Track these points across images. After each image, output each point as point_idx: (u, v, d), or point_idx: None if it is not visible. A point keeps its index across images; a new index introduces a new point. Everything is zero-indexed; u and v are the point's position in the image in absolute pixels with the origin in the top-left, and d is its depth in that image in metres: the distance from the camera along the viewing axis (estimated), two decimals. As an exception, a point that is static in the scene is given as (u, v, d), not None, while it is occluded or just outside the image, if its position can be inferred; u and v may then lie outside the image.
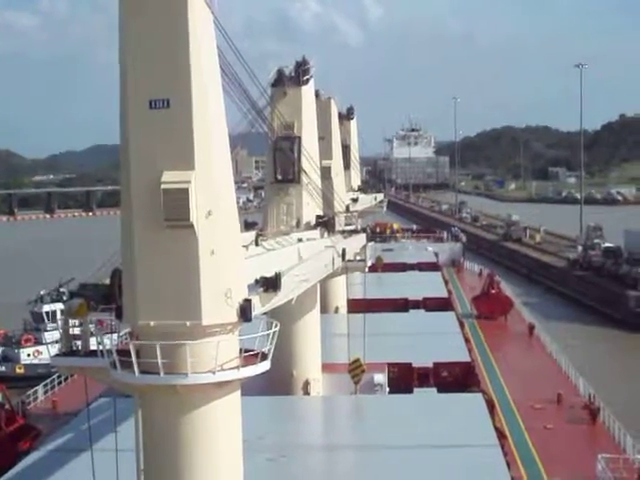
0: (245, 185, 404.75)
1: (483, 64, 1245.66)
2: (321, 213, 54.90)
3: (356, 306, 71.47)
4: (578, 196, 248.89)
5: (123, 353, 27.91)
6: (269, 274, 32.28)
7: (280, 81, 54.17)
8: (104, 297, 29.23)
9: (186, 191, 26.63)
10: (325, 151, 69.63)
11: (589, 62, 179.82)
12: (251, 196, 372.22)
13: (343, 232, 59.40)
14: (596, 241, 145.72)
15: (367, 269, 64.48)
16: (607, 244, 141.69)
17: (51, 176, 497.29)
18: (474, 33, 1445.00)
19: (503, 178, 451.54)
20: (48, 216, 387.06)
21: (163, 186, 26.64)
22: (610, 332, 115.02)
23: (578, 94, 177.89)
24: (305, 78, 54.71)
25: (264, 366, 29.08)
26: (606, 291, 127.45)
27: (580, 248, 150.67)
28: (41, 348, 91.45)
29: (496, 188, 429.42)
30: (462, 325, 79.98)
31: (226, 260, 27.78)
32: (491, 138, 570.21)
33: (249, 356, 28.97)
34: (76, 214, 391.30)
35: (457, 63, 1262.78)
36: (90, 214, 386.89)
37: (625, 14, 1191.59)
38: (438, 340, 70.16)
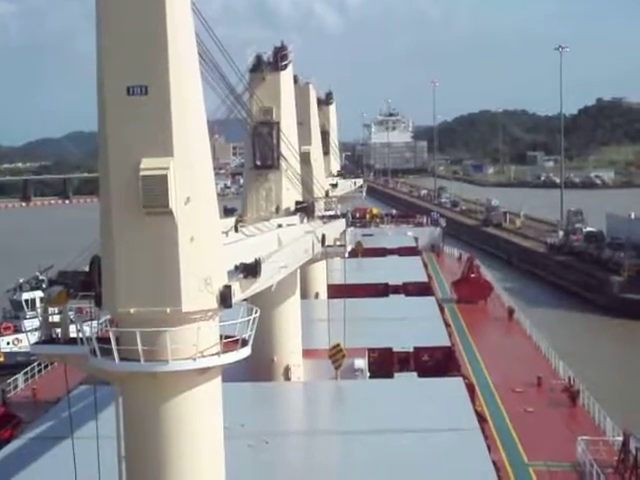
0: (223, 171, 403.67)
1: (461, 49, 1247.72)
2: (300, 199, 54.88)
3: (336, 291, 71.50)
4: (557, 180, 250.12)
5: (103, 340, 27.83)
6: (249, 260, 32.27)
7: (258, 67, 54.02)
8: (83, 284, 29.12)
9: (165, 177, 26.51)
10: (304, 136, 69.46)
11: (565, 46, 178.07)
12: (229, 182, 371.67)
13: (323, 217, 59.43)
14: (577, 226, 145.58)
15: (347, 254, 64.47)
16: (589, 228, 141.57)
17: (19, 164, 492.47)
18: (453, 17, 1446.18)
19: (481, 162, 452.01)
20: (24, 204, 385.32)
21: (142, 173, 26.50)
22: (593, 317, 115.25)
23: (555, 78, 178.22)
24: (284, 63, 54.57)
25: (245, 352, 29.03)
26: (588, 276, 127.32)
27: (561, 233, 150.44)
28: (21, 336, 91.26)
29: (474, 173, 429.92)
30: (442, 309, 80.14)
31: (206, 246, 27.71)
32: (469, 122, 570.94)
33: (230, 342, 28.90)
34: (52, 202, 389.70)
35: (435, 48, 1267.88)
36: (67, 202, 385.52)
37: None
38: (418, 325, 70.19)
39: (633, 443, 44.61)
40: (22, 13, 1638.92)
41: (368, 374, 57.06)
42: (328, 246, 56.07)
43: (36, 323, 62.05)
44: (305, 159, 67.10)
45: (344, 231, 63.48)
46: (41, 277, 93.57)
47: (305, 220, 53.92)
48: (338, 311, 58.89)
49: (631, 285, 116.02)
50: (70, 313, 30.59)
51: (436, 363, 61.54)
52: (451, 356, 62.84)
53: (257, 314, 29.62)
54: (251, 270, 32.15)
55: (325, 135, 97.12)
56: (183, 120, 26.88)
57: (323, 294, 78.89)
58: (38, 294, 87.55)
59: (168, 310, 27.14)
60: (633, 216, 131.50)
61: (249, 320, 29.42)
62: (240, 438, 40.79)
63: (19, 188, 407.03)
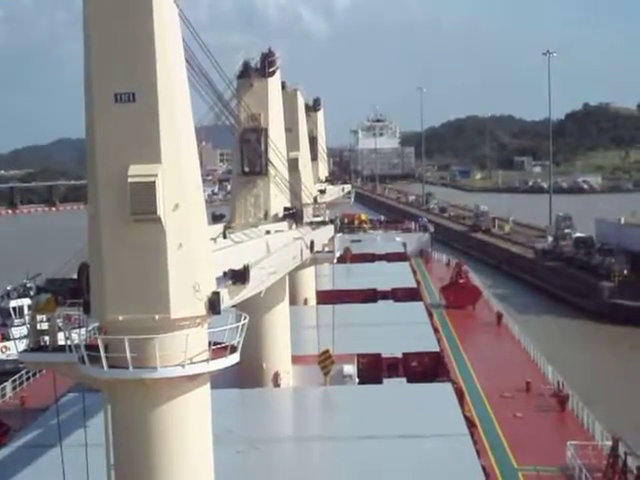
0: (210, 178, 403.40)
1: (447, 53, 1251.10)
2: (289, 205, 54.83)
3: (325, 297, 71.52)
4: (544, 185, 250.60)
5: (92, 348, 27.76)
6: (237, 267, 32.24)
7: (246, 73, 54.02)
8: (72, 292, 29.03)
9: (153, 185, 26.49)
10: (292, 143, 69.47)
11: (553, 51, 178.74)
12: (216, 189, 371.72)
13: (311, 223, 59.39)
14: (566, 231, 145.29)
15: (335, 260, 64.45)
16: (578, 234, 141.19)
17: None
18: (439, 22, 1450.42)
19: (469, 168, 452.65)
20: (11, 212, 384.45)
21: (130, 180, 26.49)
22: (583, 323, 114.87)
23: (542, 83, 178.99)
24: (271, 70, 54.56)
25: (233, 359, 29.03)
26: (578, 282, 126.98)
27: (550, 238, 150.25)
28: (9, 344, 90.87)
29: (461, 178, 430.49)
30: (431, 315, 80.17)
31: (194, 253, 27.68)
32: (456, 128, 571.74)
33: (218, 349, 28.87)
34: (39, 209, 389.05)
35: (422, 53, 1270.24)
36: (53, 209, 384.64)
37: (589, 4, 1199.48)
38: (407, 330, 70.24)
39: (622, 448, 44.60)
40: (8, 19, 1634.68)
41: (357, 380, 57.04)
42: (317, 252, 56.08)
43: (24, 331, 61.77)
44: (293, 165, 67.03)
45: (333, 237, 63.47)
46: (29, 284, 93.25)
47: (293, 226, 53.88)
48: (327, 317, 58.84)
49: (621, 291, 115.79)
50: (58, 321, 30.52)
51: (425, 368, 61.52)
52: (440, 361, 62.82)
53: (246, 320, 29.62)
54: (240, 276, 32.14)
55: (313, 141, 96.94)
56: (171, 127, 26.86)
57: (312, 300, 78.83)
58: (26, 301, 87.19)
59: (157, 317, 27.11)
60: (623, 221, 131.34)
61: (238, 327, 29.40)
62: (229, 444, 40.73)
63: (5, 196, 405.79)
